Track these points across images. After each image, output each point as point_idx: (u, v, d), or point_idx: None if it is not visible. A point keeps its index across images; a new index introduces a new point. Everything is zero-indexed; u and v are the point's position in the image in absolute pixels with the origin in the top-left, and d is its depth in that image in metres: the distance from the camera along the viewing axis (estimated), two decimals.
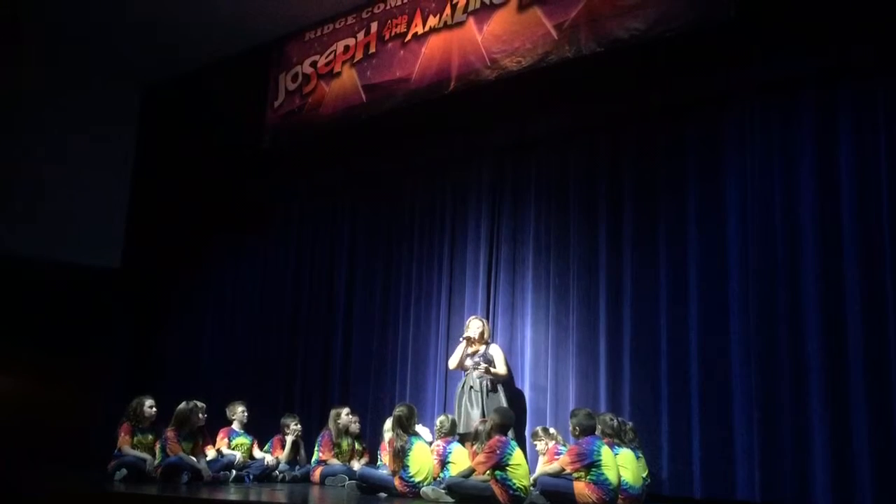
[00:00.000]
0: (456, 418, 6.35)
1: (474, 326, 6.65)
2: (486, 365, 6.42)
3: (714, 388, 5.91)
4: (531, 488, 5.42)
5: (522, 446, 6.21)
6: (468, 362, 6.53)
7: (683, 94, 6.46)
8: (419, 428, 6.34)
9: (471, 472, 5.36)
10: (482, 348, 6.57)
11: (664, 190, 6.50)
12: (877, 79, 5.64)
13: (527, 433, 6.51)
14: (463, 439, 6.15)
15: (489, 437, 5.41)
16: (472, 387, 6.42)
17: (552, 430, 6.11)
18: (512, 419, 5.70)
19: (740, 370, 5.82)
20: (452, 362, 6.67)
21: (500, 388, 6.43)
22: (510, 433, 5.69)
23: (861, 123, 5.66)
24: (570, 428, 5.59)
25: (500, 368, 6.47)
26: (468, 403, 6.39)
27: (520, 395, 6.80)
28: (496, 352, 6.57)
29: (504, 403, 6.25)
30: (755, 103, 6.15)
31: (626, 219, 6.65)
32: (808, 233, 5.72)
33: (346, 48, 8.18)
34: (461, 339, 6.73)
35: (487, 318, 6.98)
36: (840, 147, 5.70)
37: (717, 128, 6.33)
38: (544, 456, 5.95)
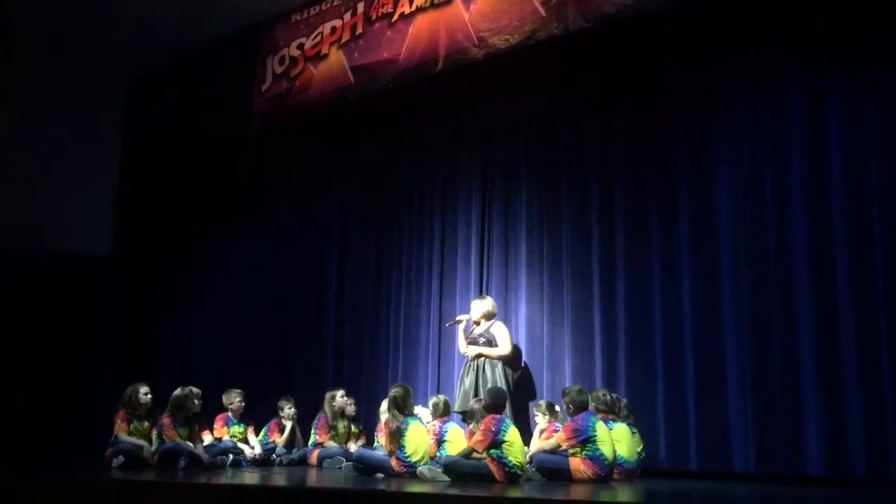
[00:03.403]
0: (459, 396, 6.38)
1: (473, 307, 6.68)
2: (476, 349, 6.42)
3: (708, 362, 5.95)
4: (527, 465, 5.45)
5: (527, 423, 6.22)
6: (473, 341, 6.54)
7: (673, 71, 6.45)
8: (418, 409, 6.37)
9: (470, 451, 5.38)
10: (486, 325, 6.55)
11: (655, 166, 6.51)
12: (867, 61, 5.64)
13: (531, 410, 6.52)
14: (463, 417, 6.18)
15: (483, 416, 5.44)
16: (471, 366, 6.44)
17: (557, 408, 6.12)
18: (503, 398, 5.71)
19: (734, 344, 5.86)
20: (461, 347, 6.67)
21: (500, 365, 6.38)
22: (505, 411, 5.72)
23: (850, 104, 5.67)
24: (564, 406, 5.64)
25: (502, 347, 6.41)
26: (468, 382, 6.40)
27: (524, 372, 6.79)
28: (497, 330, 6.50)
29: (501, 381, 6.26)
30: (745, 81, 6.16)
31: (617, 195, 6.66)
32: (799, 210, 5.75)
33: (333, 29, 8.11)
34: (447, 324, 6.87)
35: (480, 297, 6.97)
36: (829, 127, 5.72)
37: (708, 106, 6.34)
38: (540, 432, 5.99)
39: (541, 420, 6.11)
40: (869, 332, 5.33)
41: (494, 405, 5.49)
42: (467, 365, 6.50)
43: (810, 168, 5.74)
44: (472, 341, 6.52)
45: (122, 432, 6.51)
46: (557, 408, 6.14)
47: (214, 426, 7.12)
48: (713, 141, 6.24)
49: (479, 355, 6.43)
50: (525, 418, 6.42)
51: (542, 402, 6.16)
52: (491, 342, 6.44)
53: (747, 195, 5.98)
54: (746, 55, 6.10)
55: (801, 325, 5.59)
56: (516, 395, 6.40)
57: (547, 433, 5.89)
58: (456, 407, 6.38)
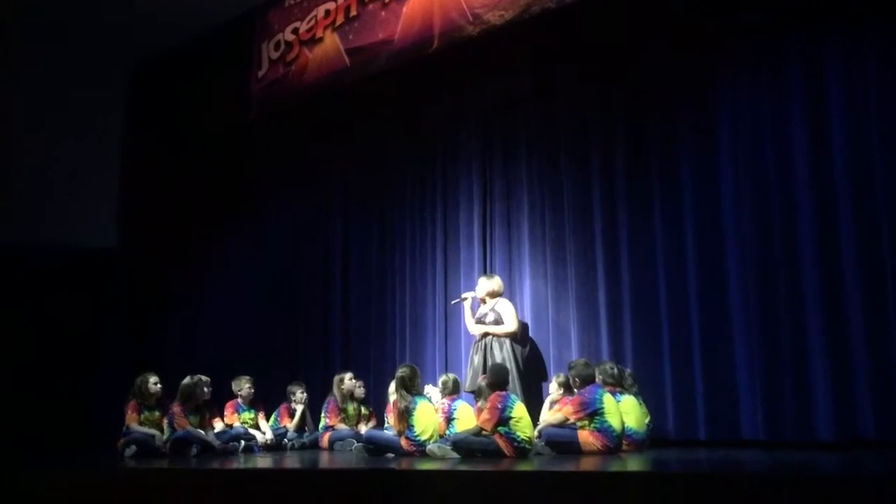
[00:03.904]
0: (469, 375, 6.41)
1: (479, 284, 6.69)
2: (483, 328, 6.43)
3: (714, 331, 5.95)
4: (536, 440, 5.48)
5: (539, 400, 6.20)
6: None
7: (670, 39, 6.40)
8: (429, 388, 6.40)
9: (478, 430, 5.40)
10: (492, 303, 6.54)
11: (655, 137, 6.48)
12: (866, 20, 5.58)
13: (542, 387, 6.54)
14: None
15: (489, 394, 5.45)
16: (479, 345, 6.46)
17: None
18: (506, 373, 5.71)
19: (739, 312, 5.86)
20: (469, 326, 6.68)
21: (507, 343, 6.36)
22: (512, 387, 5.74)
23: (851, 63, 5.62)
24: (570, 380, 5.65)
25: (508, 324, 6.40)
26: (476, 360, 6.42)
27: (533, 348, 6.78)
28: (503, 308, 6.49)
29: (509, 359, 6.27)
30: (745, 47, 6.12)
31: (618, 169, 6.65)
32: (801, 174, 5.72)
33: (327, 13, 8.06)
34: (453, 302, 6.95)
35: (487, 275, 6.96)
36: (829, 87, 5.68)
37: (707, 74, 6.31)
38: (551, 403, 6.02)
39: (553, 391, 6.12)
40: (875, 295, 5.31)
41: (497, 382, 5.50)
42: (476, 344, 6.52)
43: (813, 134, 5.70)
44: (479, 320, 6.53)
45: (133, 422, 6.54)
46: (562, 391, 6.12)
47: (225, 413, 7.16)
48: (714, 111, 6.20)
49: (486, 334, 6.44)
50: (537, 394, 6.42)
51: (563, 375, 6.10)
52: (497, 320, 6.44)
53: (750, 164, 5.95)
54: (746, 22, 6.03)
55: (808, 290, 5.58)
56: (526, 372, 6.40)
57: (560, 404, 5.91)
58: (466, 386, 6.40)
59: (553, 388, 6.18)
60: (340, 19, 7.93)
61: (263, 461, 5.95)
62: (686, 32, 6.33)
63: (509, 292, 6.90)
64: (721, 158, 6.10)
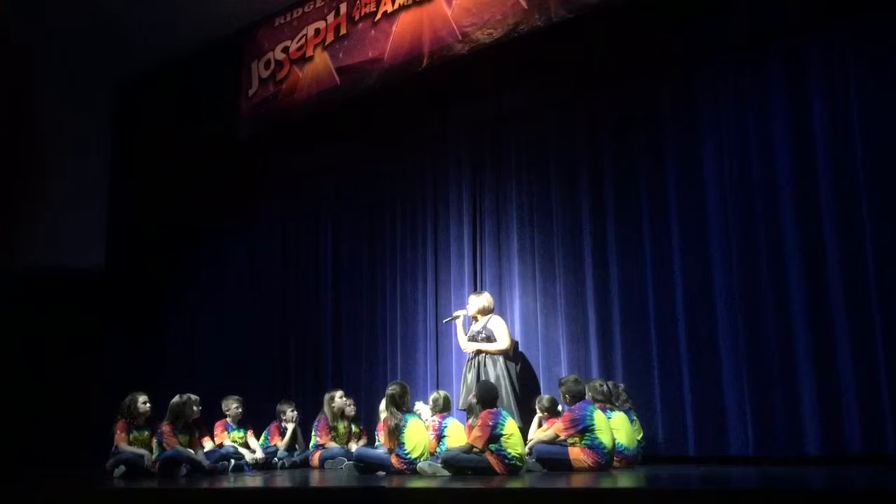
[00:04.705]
0: (462, 394, 6.40)
1: (469, 301, 6.69)
2: (475, 345, 6.44)
3: (703, 347, 5.98)
4: (527, 457, 5.47)
5: (533, 416, 6.20)
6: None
7: (655, 54, 6.50)
8: (420, 405, 6.38)
9: (469, 447, 5.38)
10: (483, 321, 6.55)
11: (643, 151, 6.54)
12: (845, 26, 5.66)
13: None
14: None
15: (479, 412, 5.45)
16: (472, 363, 6.46)
17: (560, 408, 6.06)
18: (494, 391, 5.69)
19: (727, 328, 5.89)
20: (461, 344, 6.68)
21: (501, 360, 6.35)
22: (504, 403, 5.74)
23: (831, 69, 5.70)
24: (561, 396, 5.66)
25: (500, 342, 6.38)
26: (470, 378, 6.41)
27: (525, 365, 6.78)
28: (495, 325, 6.48)
29: (503, 376, 6.25)
30: (727, 58, 6.19)
31: (606, 184, 6.70)
32: (785, 185, 5.77)
33: (317, 31, 8.12)
34: (444, 321, 6.93)
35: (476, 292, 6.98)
36: (811, 94, 5.75)
37: (691, 85, 6.38)
38: (539, 422, 6.00)
39: (539, 413, 6.11)
40: (861, 310, 5.35)
41: (486, 399, 5.48)
42: (469, 362, 6.51)
43: (794, 137, 5.76)
44: (472, 337, 6.53)
45: (122, 442, 6.48)
46: (561, 407, 6.06)
47: (214, 432, 7.12)
48: (701, 126, 6.26)
49: (478, 351, 6.44)
50: (531, 411, 6.42)
51: (545, 399, 6.06)
52: (490, 338, 6.43)
53: (736, 183, 6.00)
54: (725, 27, 6.12)
55: (794, 307, 5.61)
56: (520, 389, 6.38)
57: (548, 423, 5.90)
58: (459, 405, 6.40)
59: (538, 413, 6.13)
60: (330, 38, 7.99)
61: (253, 480, 5.92)
62: (672, 48, 6.41)
63: (500, 309, 6.90)
64: (707, 174, 6.15)
